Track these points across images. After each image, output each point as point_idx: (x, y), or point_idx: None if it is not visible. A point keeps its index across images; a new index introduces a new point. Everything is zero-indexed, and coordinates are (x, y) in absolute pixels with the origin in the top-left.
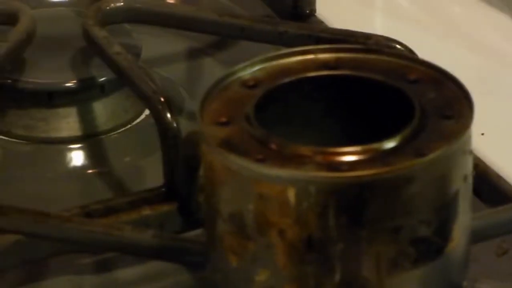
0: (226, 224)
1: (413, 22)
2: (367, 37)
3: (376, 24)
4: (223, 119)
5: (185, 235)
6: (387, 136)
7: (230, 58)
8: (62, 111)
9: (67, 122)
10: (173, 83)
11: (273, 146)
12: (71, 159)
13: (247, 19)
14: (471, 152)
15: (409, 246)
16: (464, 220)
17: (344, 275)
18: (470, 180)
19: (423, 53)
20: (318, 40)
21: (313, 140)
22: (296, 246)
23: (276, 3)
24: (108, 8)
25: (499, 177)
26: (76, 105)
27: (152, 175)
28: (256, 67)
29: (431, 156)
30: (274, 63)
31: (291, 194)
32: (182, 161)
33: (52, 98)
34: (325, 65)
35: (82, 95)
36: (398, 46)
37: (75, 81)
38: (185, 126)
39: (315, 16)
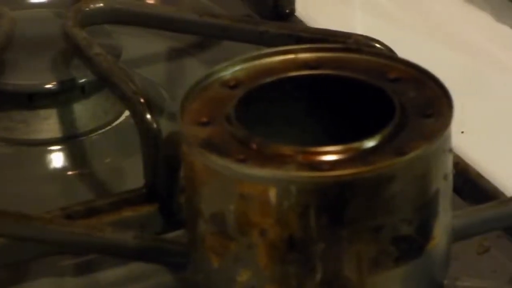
0: (207, 225)
1: (393, 21)
2: (347, 36)
3: (356, 23)
4: (204, 119)
5: (166, 236)
6: (368, 135)
7: (211, 58)
8: (42, 112)
9: (47, 123)
10: (153, 84)
11: (254, 146)
12: (51, 161)
13: (228, 19)
14: (451, 150)
15: (391, 245)
16: (445, 218)
17: (325, 274)
18: (450, 178)
19: (403, 52)
20: (298, 40)
21: (294, 140)
22: (277, 246)
23: (256, 3)
24: (88, 9)
25: (479, 175)
26: (56, 106)
27: (133, 176)
28: (237, 67)
29: (412, 155)
30: (255, 63)
31: (272, 194)
32: (162, 161)
33: (32, 100)
34: (305, 64)
35: (63, 97)
36: (378, 45)
37: (55, 83)
38: (165, 127)
39: (295, 15)
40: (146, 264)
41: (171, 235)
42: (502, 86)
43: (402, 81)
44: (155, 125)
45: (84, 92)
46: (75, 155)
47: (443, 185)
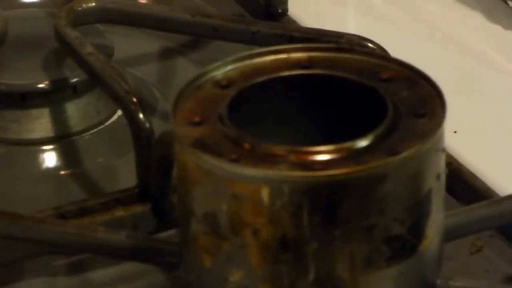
0: (200, 224)
1: (386, 20)
2: (339, 36)
3: (348, 23)
4: (196, 119)
5: (159, 236)
6: (361, 135)
7: (203, 58)
8: (34, 112)
9: (40, 123)
10: (146, 83)
11: (247, 145)
12: (44, 160)
13: (220, 19)
14: (444, 150)
15: (383, 245)
16: (438, 218)
17: (318, 274)
18: (443, 178)
19: (396, 52)
20: (290, 40)
21: (287, 140)
22: (270, 245)
23: (248, 3)
24: (80, 8)
25: (472, 175)
26: (48, 106)
27: (125, 175)
28: (229, 67)
29: (404, 154)
30: (247, 62)
31: (264, 193)
32: (155, 161)
33: (24, 99)
34: (298, 64)
35: (55, 96)
36: (370, 45)
37: (47, 82)
38: (158, 126)
39: (287, 15)
40: (138, 264)
41: (163, 234)
42: (494, 85)
43: (395, 81)
44: (147, 125)
45: (76, 91)
46: (68, 155)
47: (436, 185)
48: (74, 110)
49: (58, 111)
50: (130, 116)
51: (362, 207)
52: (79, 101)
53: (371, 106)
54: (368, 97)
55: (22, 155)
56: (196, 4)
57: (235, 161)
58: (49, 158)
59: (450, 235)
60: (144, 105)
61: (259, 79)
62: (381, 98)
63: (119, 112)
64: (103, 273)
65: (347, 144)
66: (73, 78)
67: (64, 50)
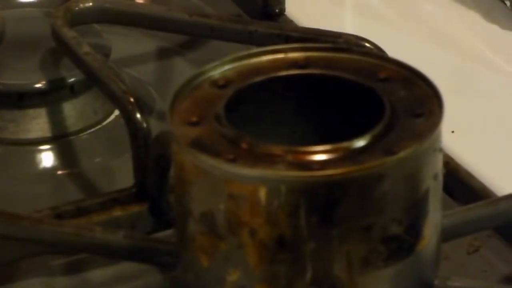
0: (197, 224)
1: (383, 20)
2: (337, 36)
3: (346, 23)
4: (194, 119)
5: (156, 236)
6: (358, 135)
7: (200, 57)
8: (32, 112)
9: (37, 123)
10: (143, 83)
11: (244, 145)
12: (41, 160)
13: (217, 19)
14: (441, 150)
15: (381, 245)
16: (435, 218)
17: (315, 274)
18: (440, 178)
19: (393, 52)
20: (287, 39)
21: (284, 140)
22: (267, 245)
23: (245, 3)
24: (77, 8)
25: (469, 175)
26: (46, 106)
27: (123, 175)
28: (226, 67)
29: (401, 154)
30: (244, 62)
31: (262, 193)
32: (152, 161)
33: (22, 99)
34: (295, 64)
35: (52, 96)
36: (368, 45)
37: (44, 82)
38: (155, 126)
39: (284, 15)
40: (136, 264)
41: (161, 234)
42: (492, 85)
43: (392, 81)
44: (144, 125)
45: (73, 91)
46: (65, 155)
47: (433, 185)
48: (71, 110)
49: (55, 111)
50: (127, 116)
51: (359, 207)
52: (76, 101)
53: (369, 106)
54: (365, 97)
55: (19, 155)
56: (193, 4)
57: (232, 161)
58: (46, 158)
59: (448, 235)
60: (141, 105)
61: (257, 79)
62: (378, 98)
63: (116, 112)
64: (100, 273)
65: (345, 144)
66: (70, 78)
67: (61, 50)
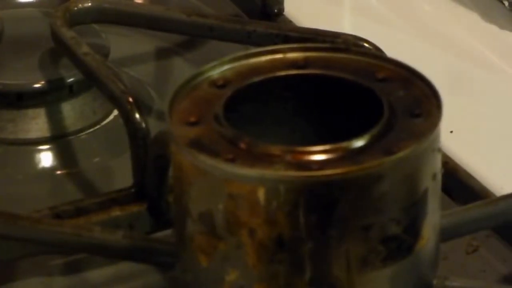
0: (196, 224)
1: (382, 20)
2: (335, 36)
3: (344, 23)
4: (192, 119)
5: (155, 236)
6: (357, 135)
7: (199, 57)
8: (30, 112)
9: (36, 123)
10: (141, 83)
11: (243, 145)
12: (40, 160)
13: (216, 19)
14: (440, 150)
15: (379, 245)
16: (434, 218)
17: (314, 274)
18: (439, 178)
19: (391, 52)
20: (286, 39)
21: (283, 140)
22: (266, 245)
23: (244, 3)
24: (76, 8)
25: (468, 174)
26: (44, 106)
27: (122, 175)
28: (225, 67)
29: (400, 154)
30: (243, 62)
31: (261, 193)
32: (151, 161)
33: (20, 99)
34: (293, 64)
35: (51, 96)
36: (366, 45)
37: (43, 82)
38: (154, 126)
39: (283, 15)
40: (135, 264)
41: (160, 234)
42: (490, 85)
43: (391, 81)
44: (143, 125)
45: (72, 91)
46: (64, 155)
47: (432, 185)
48: (70, 110)
49: (54, 111)
50: (126, 116)
51: (358, 207)
52: (75, 101)
53: (367, 106)
54: (364, 97)
55: (18, 155)
56: (192, 4)
57: (231, 161)
58: (45, 158)
59: (446, 235)
60: (140, 105)
61: (255, 79)
62: (377, 98)
63: (115, 112)
64: (99, 273)
65: (343, 144)
66: (69, 78)
67: (60, 50)
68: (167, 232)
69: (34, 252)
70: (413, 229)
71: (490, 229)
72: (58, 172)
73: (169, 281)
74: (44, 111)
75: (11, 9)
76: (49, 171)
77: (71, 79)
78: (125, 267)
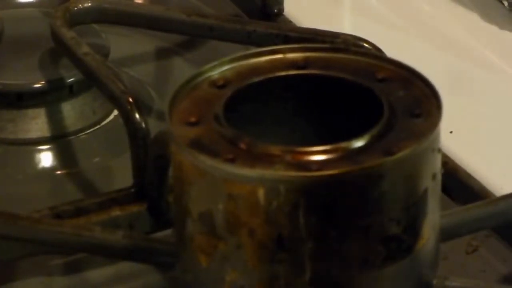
0: (196, 224)
1: (381, 20)
2: (335, 36)
3: (344, 23)
4: (192, 119)
5: (155, 236)
6: (357, 135)
7: (199, 57)
8: (30, 112)
9: (36, 123)
10: (141, 83)
11: (243, 145)
12: (40, 160)
13: (216, 19)
14: (439, 150)
15: (379, 245)
16: (434, 218)
17: (314, 274)
18: (439, 178)
19: (391, 52)
20: (286, 39)
21: (283, 140)
22: (266, 245)
23: (244, 3)
24: (76, 8)
25: (468, 175)
26: (44, 106)
27: (122, 175)
28: (225, 67)
29: (400, 154)
30: (243, 62)
31: (261, 193)
32: (151, 161)
33: (20, 99)
34: (293, 64)
35: (51, 96)
36: (366, 45)
37: (43, 82)
38: (154, 126)
39: (283, 15)
40: (135, 264)
41: (159, 234)
42: (490, 85)
43: (391, 81)
44: (143, 125)
45: (72, 91)
46: (64, 155)
47: (432, 185)
48: (70, 110)
49: (54, 111)
50: (126, 116)
51: (358, 207)
52: (75, 101)
53: (367, 106)
54: (364, 97)
55: (18, 155)
56: (192, 4)
57: (231, 161)
58: (45, 158)
59: (446, 235)
60: (140, 105)
61: (255, 79)
62: (377, 98)
63: (115, 112)
64: (99, 273)
65: (343, 144)
66: (69, 78)
67: (60, 50)
68: (167, 232)
69: (34, 252)
70: (413, 229)
71: (490, 229)
72: (58, 172)
73: (169, 281)
74: (44, 111)
75: (11, 9)
76: (49, 171)
77: (71, 79)
78: (125, 267)
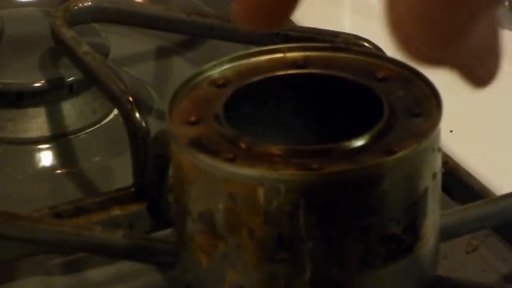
0: (196, 224)
1: (381, 20)
2: (335, 35)
3: (344, 22)
4: (192, 119)
5: (155, 235)
6: (357, 134)
7: (199, 57)
8: (30, 111)
9: (35, 122)
10: (142, 83)
11: (243, 145)
12: (40, 160)
13: (216, 18)
14: (440, 149)
15: (379, 244)
16: (434, 217)
17: (314, 273)
18: (439, 177)
19: (391, 51)
20: (286, 39)
21: (283, 139)
22: (266, 245)
23: None
24: (76, 8)
25: (468, 174)
26: (44, 105)
27: (122, 175)
28: (225, 66)
29: (400, 154)
30: (243, 62)
31: (261, 193)
32: (151, 160)
33: (20, 99)
34: (293, 64)
35: (51, 95)
36: (366, 44)
37: (43, 81)
38: (154, 126)
39: None
40: (135, 263)
41: (160, 234)
42: (490, 85)
43: (391, 80)
44: (143, 124)
45: (72, 90)
46: (64, 154)
47: (432, 184)
48: (70, 109)
49: (54, 110)
50: (126, 115)
51: (358, 207)
52: (75, 100)
53: (367, 105)
54: (364, 96)
55: (18, 154)
56: (192, 3)
57: (231, 160)
58: (45, 157)
59: (446, 234)
60: (140, 105)
61: (255, 79)
62: (377, 97)
63: (115, 112)
64: (99, 273)
65: (343, 144)
66: (69, 77)
67: (60, 50)
68: (167, 231)
69: (34, 252)
70: (413, 228)
71: (490, 228)
72: (58, 171)
73: (169, 281)
74: (44, 111)
75: (11, 9)
76: (49, 170)
77: (71, 79)
78: (125, 266)
